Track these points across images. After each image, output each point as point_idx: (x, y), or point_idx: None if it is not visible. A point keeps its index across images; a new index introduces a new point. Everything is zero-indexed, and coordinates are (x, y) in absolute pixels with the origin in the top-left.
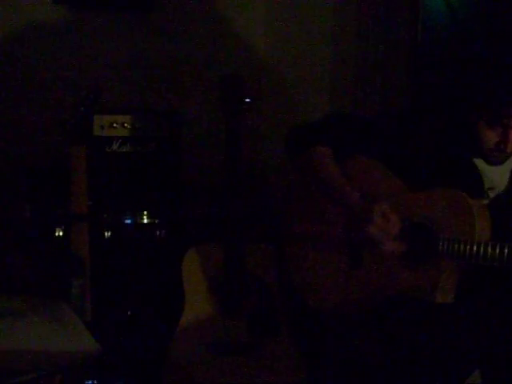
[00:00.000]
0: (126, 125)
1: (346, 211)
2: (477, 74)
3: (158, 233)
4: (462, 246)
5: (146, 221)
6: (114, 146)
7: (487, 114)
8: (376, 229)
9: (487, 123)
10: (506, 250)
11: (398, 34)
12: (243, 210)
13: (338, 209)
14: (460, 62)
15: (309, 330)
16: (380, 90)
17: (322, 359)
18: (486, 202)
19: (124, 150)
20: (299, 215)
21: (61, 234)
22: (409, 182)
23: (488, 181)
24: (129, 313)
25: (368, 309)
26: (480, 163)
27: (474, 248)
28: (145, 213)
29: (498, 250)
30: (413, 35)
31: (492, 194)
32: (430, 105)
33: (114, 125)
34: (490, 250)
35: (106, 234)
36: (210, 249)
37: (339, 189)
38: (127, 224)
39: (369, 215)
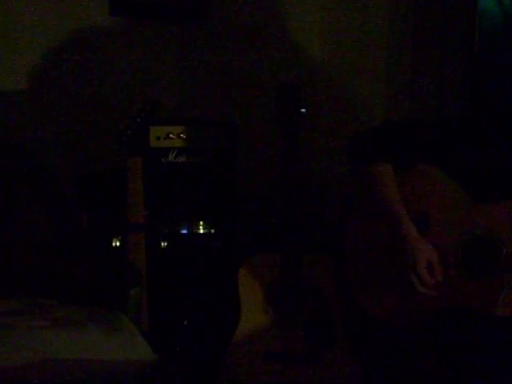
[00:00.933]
0: (181, 135)
1: (398, 238)
2: None
3: (213, 243)
4: None
5: (201, 231)
6: (170, 157)
7: None
8: (415, 277)
9: None
10: None
11: (454, 40)
12: (300, 220)
13: (392, 232)
14: None
15: (366, 338)
16: (436, 96)
17: (379, 369)
18: None
19: (180, 161)
20: (359, 227)
21: (118, 244)
22: (472, 192)
23: None
24: (185, 322)
25: (427, 319)
26: None
27: None
28: (201, 223)
29: None
30: (469, 42)
31: None
32: (492, 111)
33: (170, 135)
34: None
35: (162, 244)
36: (266, 259)
37: (394, 216)
38: (183, 234)
39: (415, 260)
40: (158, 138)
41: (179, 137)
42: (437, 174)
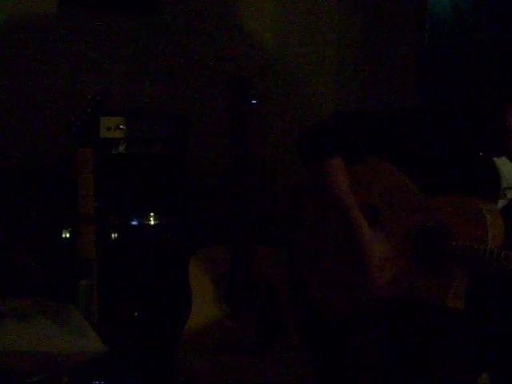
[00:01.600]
0: (132, 126)
1: (348, 233)
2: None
3: (164, 234)
4: (473, 254)
5: (152, 222)
6: (121, 148)
7: None
8: (367, 273)
9: None
10: None
11: (405, 30)
12: (251, 212)
13: (343, 226)
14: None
15: (317, 330)
16: (386, 90)
17: (331, 359)
18: (503, 203)
19: (130, 152)
20: (310, 220)
21: (68, 235)
22: (422, 184)
23: (506, 180)
24: (136, 314)
25: (378, 310)
26: (501, 162)
27: (486, 257)
28: (151, 214)
29: (508, 260)
30: (420, 34)
31: (510, 194)
32: (441, 103)
33: (121, 126)
34: (502, 259)
35: (112, 235)
36: (217, 250)
37: (346, 211)
38: (134, 225)
39: (366, 257)
40: (109, 129)
41: (129, 127)
42: (387, 167)
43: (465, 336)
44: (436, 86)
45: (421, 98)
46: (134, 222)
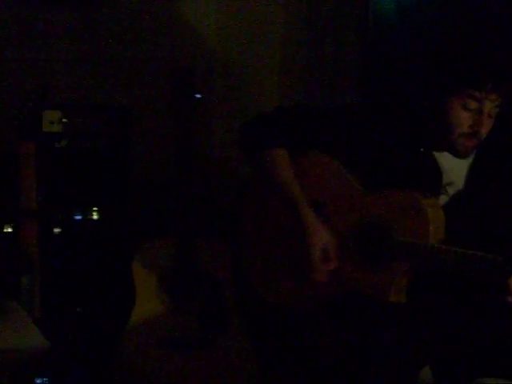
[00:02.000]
0: (75, 121)
1: (295, 223)
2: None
3: (107, 229)
4: (414, 249)
5: (95, 217)
6: (63, 142)
7: (459, 93)
8: (312, 261)
9: (461, 104)
10: (459, 256)
11: (348, 26)
12: (194, 206)
13: (290, 217)
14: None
15: (260, 324)
16: (330, 84)
17: (275, 353)
18: (444, 199)
19: (73, 146)
20: (254, 213)
21: (10, 230)
22: (364, 179)
23: (447, 176)
24: (78, 309)
25: (322, 304)
26: (442, 157)
27: (427, 252)
28: (94, 209)
29: (449, 255)
30: (363, 30)
31: (451, 190)
32: (386, 98)
33: (63, 120)
34: (441, 254)
35: (55, 230)
36: (161, 245)
37: (291, 200)
38: (77, 220)
39: (311, 244)
40: (51, 123)
41: (72, 121)
42: (329, 161)
43: (407, 329)
44: (379, 81)
45: (364, 94)
46: (78, 217)
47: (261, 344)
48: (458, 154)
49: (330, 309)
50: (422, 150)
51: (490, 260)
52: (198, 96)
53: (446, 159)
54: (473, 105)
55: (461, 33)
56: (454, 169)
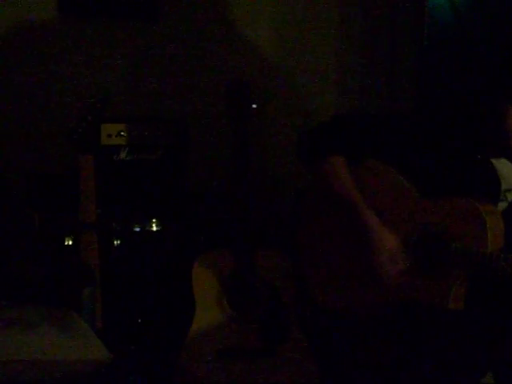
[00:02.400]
0: (132, 133)
1: (360, 230)
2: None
3: (167, 240)
4: (472, 257)
5: (154, 228)
6: (122, 155)
7: None
8: (380, 265)
9: None
10: None
11: (404, 35)
12: (253, 216)
13: (353, 224)
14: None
15: (322, 334)
16: (386, 90)
17: (334, 363)
18: (503, 206)
19: (131, 158)
20: (314, 222)
21: (70, 242)
22: (421, 187)
23: (506, 182)
24: (139, 320)
25: (381, 312)
26: (500, 163)
27: (485, 259)
28: (153, 220)
29: (507, 262)
30: (419, 35)
31: (510, 196)
32: (442, 104)
33: (121, 133)
34: (500, 262)
35: (115, 242)
36: (220, 255)
37: (355, 207)
38: (136, 232)
39: (378, 248)
40: (109, 136)
41: (130, 134)
42: (386, 169)
43: (467, 336)
44: (435, 88)
45: (420, 101)
46: (137, 229)
47: (321, 353)
48: None
49: (386, 318)
50: (479, 156)
51: None
52: (254, 106)
53: (504, 166)
54: None
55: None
56: None
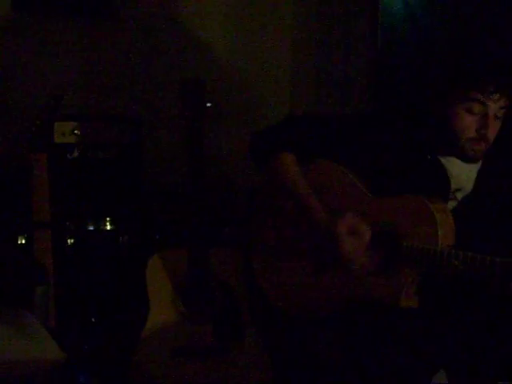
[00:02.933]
0: (86, 131)
1: (311, 225)
2: (448, 59)
3: (121, 239)
4: (424, 254)
5: (108, 227)
6: (76, 153)
7: (463, 97)
8: (346, 246)
9: (465, 108)
10: (466, 259)
11: (358, 35)
12: (206, 215)
13: (303, 220)
14: (423, 59)
15: (275, 332)
16: (341, 93)
17: (288, 362)
18: (452, 204)
19: (85, 157)
20: (266, 220)
21: (23, 241)
22: (372, 186)
23: (455, 181)
24: (93, 320)
25: (334, 312)
26: (450, 163)
27: (437, 256)
28: (107, 219)
29: (459, 259)
30: (373, 36)
31: (460, 195)
32: (394, 105)
33: (75, 131)
34: (452, 258)
35: (69, 241)
36: (174, 254)
37: (303, 201)
38: (90, 231)
39: (335, 232)
40: (63, 134)
41: (84, 133)
42: (336, 168)
43: (420, 334)
44: (389, 89)
45: (374, 102)
46: (91, 227)
47: (275, 352)
48: (467, 158)
49: (340, 318)
50: (429, 156)
51: (500, 263)
52: (209, 105)
53: (454, 165)
54: (477, 108)
55: (461, 34)
56: (463, 174)
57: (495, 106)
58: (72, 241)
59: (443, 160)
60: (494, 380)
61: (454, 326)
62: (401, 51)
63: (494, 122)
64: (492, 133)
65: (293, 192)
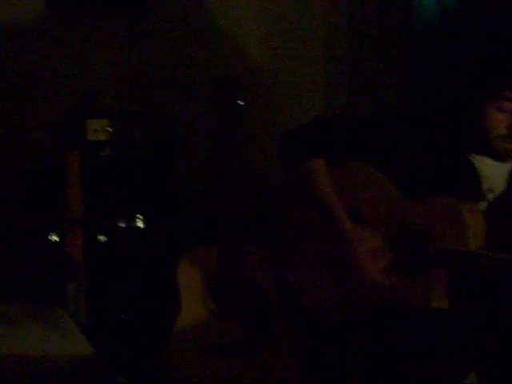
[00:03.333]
0: (119, 129)
1: (335, 234)
2: (480, 57)
3: (152, 236)
4: (453, 255)
5: (140, 225)
6: (108, 150)
7: (495, 95)
8: (359, 266)
9: (496, 106)
10: (495, 260)
11: (390, 34)
12: (238, 214)
13: (330, 228)
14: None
15: (305, 331)
16: (374, 91)
17: (318, 361)
18: (484, 205)
19: (118, 154)
20: (295, 222)
21: (55, 238)
22: (404, 188)
23: (486, 182)
24: (124, 316)
25: (364, 313)
26: (481, 163)
27: (465, 257)
28: (139, 217)
29: (488, 260)
30: (406, 34)
31: (491, 196)
32: (426, 106)
33: (108, 129)
34: (481, 259)
35: (100, 238)
36: (205, 252)
37: (330, 210)
38: (122, 228)
39: (355, 250)
40: (96, 131)
41: (117, 130)
42: (367, 170)
43: (451, 336)
44: (421, 89)
45: (406, 102)
46: (122, 225)
47: (305, 352)
48: (497, 156)
49: (372, 319)
50: (460, 157)
51: None
52: (242, 103)
53: (485, 165)
54: (508, 106)
55: (494, 34)
56: (495, 175)
57: None
58: (104, 238)
59: (475, 161)
60: None
61: (484, 328)
62: (433, 54)
63: None
64: None
65: (320, 199)
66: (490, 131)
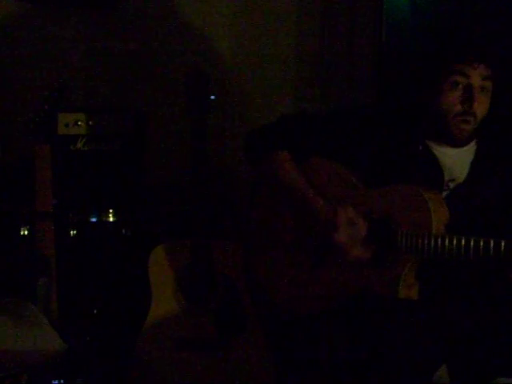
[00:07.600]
0: (90, 123)
1: (310, 216)
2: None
3: (123, 231)
4: (419, 240)
5: (111, 219)
6: (79, 144)
7: (447, 70)
8: (343, 236)
9: (450, 82)
10: (463, 242)
11: (362, 32)
12: (209, 208)
13: (302, 213)
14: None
15: (275, 326)
16: (344, 88)
17: (289, 354)
18: (444, 194)
19: (89, 148)
20: (264, 216)
21: (26, 233)
22: (367, 181)
23: (448, 173)
24: (95, 311)
25: (333, 306)
26: (443, 154)
27: (432, 241)
28: (110, 211)
29: (454, 243)
30: (377, 33)
31: (452, 185)
32: (393, 100)
33: (79, 123)
34: (446, 242)
35: (71, 232)
36: (176, 246)
37: (302, 194)
38: (93, 222)
39: (334, 221)
40: (67, 125)
41: (88, 124)
42: (331, 164)
43: (421, 327)
44: (392, 82)
45: (378, 97)
46: (93, 219)
47: (276, 345)
48: (455, 141)
49: (339, 312)
50: (420, 147)
51: (494, 244)
52: (213, 97)
53: (447, 156)
54: (460, 80)
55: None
56: (456, 165)
57: (479, 76)
58: (75, 232)
59: (436, 152)
60: (494, 375)
61: (454, 319)
62: (405, 46)
63: (479, 94)
64: (478, 105)
65: (291, 186)
66: (447, 111)
